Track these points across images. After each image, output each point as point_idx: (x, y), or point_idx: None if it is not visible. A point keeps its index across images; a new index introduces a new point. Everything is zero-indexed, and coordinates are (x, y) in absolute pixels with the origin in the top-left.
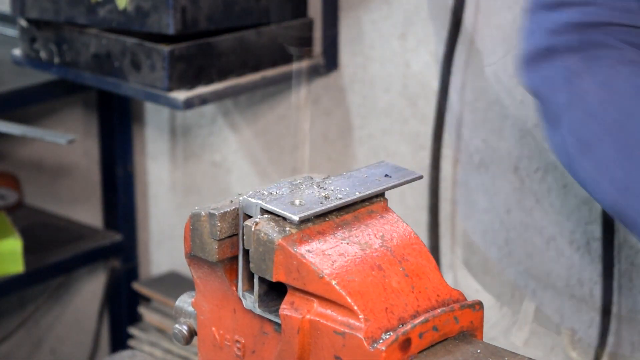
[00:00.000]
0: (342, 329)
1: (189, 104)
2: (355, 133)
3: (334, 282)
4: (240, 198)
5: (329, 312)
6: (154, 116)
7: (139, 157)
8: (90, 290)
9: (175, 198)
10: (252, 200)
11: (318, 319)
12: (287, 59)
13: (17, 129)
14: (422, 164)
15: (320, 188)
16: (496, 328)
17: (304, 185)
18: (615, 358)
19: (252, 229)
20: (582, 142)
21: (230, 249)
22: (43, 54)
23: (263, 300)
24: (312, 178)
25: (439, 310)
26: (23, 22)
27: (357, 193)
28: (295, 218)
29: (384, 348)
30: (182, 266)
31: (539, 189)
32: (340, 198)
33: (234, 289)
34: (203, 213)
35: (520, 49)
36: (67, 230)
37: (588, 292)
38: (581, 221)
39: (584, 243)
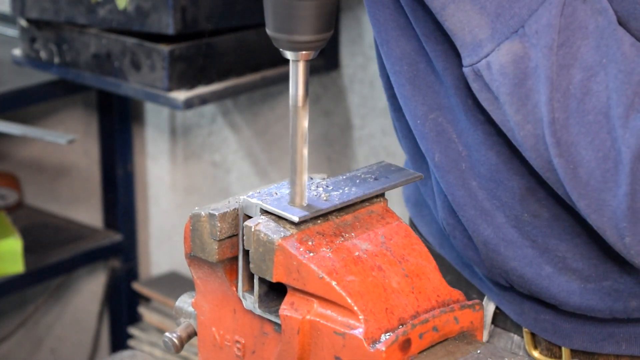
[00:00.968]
0: (342, 330)
1: (189, 104)
2: (355, 133)
3: (333, 283)
4: (241, 198)
5: (329, 312)
6: (154, 116)
7: (139, 157)
8: (90, 290)
9: (175, 198)
10: (252, 200)
11: (318, 320)
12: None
13: (17, 129)
14: None
15: (320, 188)
16: None
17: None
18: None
19: (252, 230)
20: None
21: (230, 250)
22: (43, 54)
23: (263, 300)
24: (312, 178)
25: (439, 311)
26: (23, 22)
27: (357, 193)
28: (295, 218)
29: (384, 348)
30: (182, 266)
31: None
32: (340, 198)
33: (234, 289)
34: (203, 213)
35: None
36: (67, 230)
37: None
38: None
39: None
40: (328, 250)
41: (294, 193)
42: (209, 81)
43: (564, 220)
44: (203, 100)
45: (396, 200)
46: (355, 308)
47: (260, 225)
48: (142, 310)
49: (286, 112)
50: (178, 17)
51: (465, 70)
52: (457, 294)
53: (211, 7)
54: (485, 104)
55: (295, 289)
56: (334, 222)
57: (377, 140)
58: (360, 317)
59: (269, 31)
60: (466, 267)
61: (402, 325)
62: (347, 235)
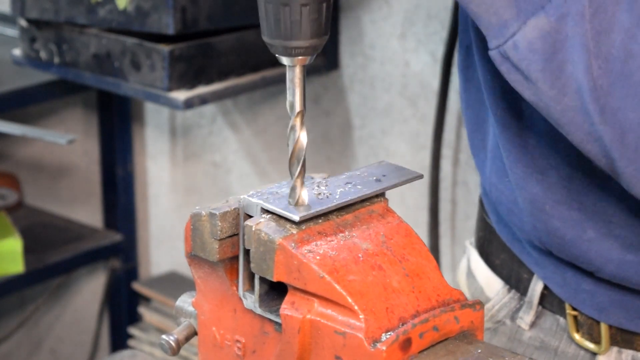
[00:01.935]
0: (342, 329)
1: (189, 104)
2: (355, 133)
3: (334, 282)
4: (241, 198)
5: (329, 311)
6: (154, 116)
7: (139, 157)
8: (90, 290)
9: (175, 198)
10: (253, 200)
11: (318, 319)
12: None
13: (17, 129)
14: (422, 164)
15: (321, 188)
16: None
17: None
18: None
19: (253, 229)
20: None
21: (230, 249)
22: (43, 54)
23: (264, 300)
24: (312, 178)
25: (439, 310)
26: (23, 22)
27: (358, 193)
28: (296, 218)
29: (384, 348)
30: (182, 266)
31: None
32: (341, 198)
33: (235, 288)
34: (204, 213)
35: None
36: (67, 230)
37: None
38: None
39: None
40: (328, 249)
41: (294, 195)
42: (209, 81)
43: (615, 182)
44: (203, 100)
45: (396, 200)
46: (356, 307)
47: (261, 224)
48: (142, 310)
49: (286, 112)
50: (178, 17)
51: (492, 53)
52: (457, 293)
53: (211, 7)
54: (515, 85)
55: (296, 288)
56: (335, 222)
57: (377, 140)
58: (360, 316)
59: (264, 37)
60: (516, 242)
61: (403, 324)
62: (347, 234)
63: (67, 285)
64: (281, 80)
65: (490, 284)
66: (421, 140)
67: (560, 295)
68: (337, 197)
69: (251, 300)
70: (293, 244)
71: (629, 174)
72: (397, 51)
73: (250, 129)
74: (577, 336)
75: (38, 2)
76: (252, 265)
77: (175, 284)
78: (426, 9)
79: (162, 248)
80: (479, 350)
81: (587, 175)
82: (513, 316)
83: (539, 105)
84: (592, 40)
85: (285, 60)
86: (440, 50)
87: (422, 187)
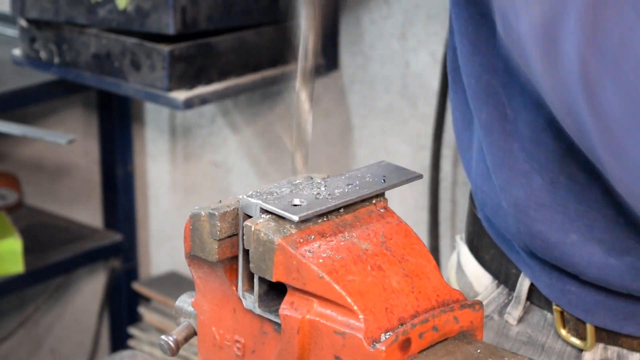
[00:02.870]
0: (342, 329)
1: (189, 104)
2: (355, 133)
3: (333, 282)
4: (241, 197)
5: (328, 312)
6: (154, 116)
7: (139, 157)
8: (90, 290)
9: (175, 198)
10: (252, 200)
11: (318, 319)
12: (287, 59)
13: (17, 129)
14: (422, 164)
15: (320, 188)
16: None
17: (304, 185)
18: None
19: (252, 229)
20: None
21: (230, 249)
22: (43, 54)
23: (263, 300)
24: (312, 178)
25: (439, 310)
26: (23, 22)
27: (357, 193)
28: (295, 218)
29: (384, 348)
30: (182, 266)
31: None
32: (340, 198)
33: (234, 288)
34: (203, 213)
35: None
36: (67, 230)
37: None
38: None
39: None
40: (328, 249)
41: (297, 160)
42: (208, 81)
43: (598, 187)
44: (203, 100)
45: (396, 200)
46: (355, 307)
47: (260, 224)
48: (142, 310)
49: (286, 112)
50: (178, 17)
51: (500, 32)
52: (457, 293)
53: (211, 7)
54: (520, 63)
55: (295, 288)
56: (334, 222)
57: (377, 140)
58: (360, 316)
59: None
60: (504, 240)
61: (402, 324)
62: (347, 234)
63: (67, 285)
64: (281, 80)
65: (480, 278)
66: (421, 140)
67: (547, 294)
68: (337, 197)
69: (250, 301)
70: (292, 244)
71: (606, 159)
72: (397, 51)
73: (250, 129)
74: (563, 332)
75: (38, 2)
76: (251, 265)
77: (175, 284)
78: (426, 9)
79: (162, 248)
80: (479, 351)
81: (571, 179)
82: (501, 311)
83: (527, 73)
84: (590, 27)
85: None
86: (440, 50)
87: (422, 187)
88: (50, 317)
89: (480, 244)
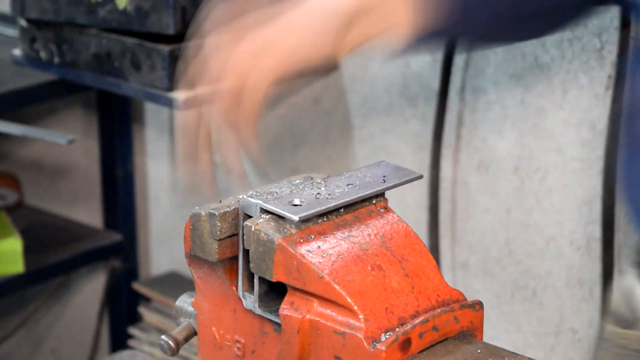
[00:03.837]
0: (342, 329)
1: (189, 104)
2: (355, 133)
3: (333, 282)
4: (241, 198)
5: (329, 312)
6: (154, 116)
7: (139, 157)
8: (90, 290)
9: (175, 198)
10: (252, 200)
11: (318, 319)
12: None
13: (17, 129)
14: (422, 164)
15: (320, 188)
16: (497, 328)
17: (304, 185)
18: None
19: (252, 229)
20: None
21: (230, 249)
22: (43, 54)
23: (263, 300)
24: (312, 178)
25: (439, 310)
26: (23, 22)
27: (357, 193)
28: (295, 218)
29: (384, 348)
30: (182, 266)
31: (539, 189)
32: (340, 198)
33: (234, 289)
34: (203, 213)
35: None
36: (67, 230)
37: (588, 292)
38: (581, 221)
39: (584, 243)
40: (328, 249)
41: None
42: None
43: None
44: (203, 100)
45: (396, 200)
46: (355, 307)
47: (261, 224)
48: (142, 310)
49: (286, 112)
50: (178, 17)
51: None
52: (457, 293)
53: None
54: None
55: (295, 288)
56: (334, 222)
57: (377, 140)
58: (360, 316)
59: None
60: None
61: (402, 324)
62: (347, 234)
63: (67, 285)
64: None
65: None
66: (421, 140)
67: None
68: (337, 197)
69: (251, 301)
70: (292, 244)
71: None
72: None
73: None
74: None
75: (38, 2)
76: (251, 265)
77: (175, 284)
78: None
79: (162, 248)
80: (479, 351)
81: None
82: None
83: None
84: None
85: None
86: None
87: (422, 187)
88: (50, 317)
89: None
